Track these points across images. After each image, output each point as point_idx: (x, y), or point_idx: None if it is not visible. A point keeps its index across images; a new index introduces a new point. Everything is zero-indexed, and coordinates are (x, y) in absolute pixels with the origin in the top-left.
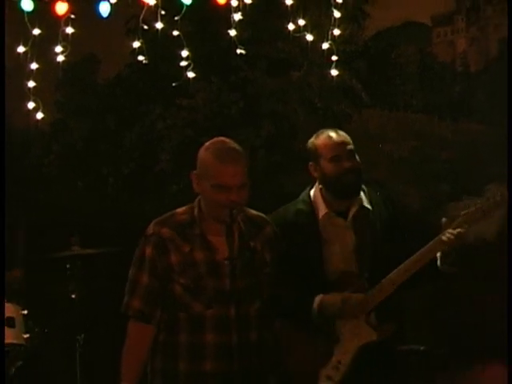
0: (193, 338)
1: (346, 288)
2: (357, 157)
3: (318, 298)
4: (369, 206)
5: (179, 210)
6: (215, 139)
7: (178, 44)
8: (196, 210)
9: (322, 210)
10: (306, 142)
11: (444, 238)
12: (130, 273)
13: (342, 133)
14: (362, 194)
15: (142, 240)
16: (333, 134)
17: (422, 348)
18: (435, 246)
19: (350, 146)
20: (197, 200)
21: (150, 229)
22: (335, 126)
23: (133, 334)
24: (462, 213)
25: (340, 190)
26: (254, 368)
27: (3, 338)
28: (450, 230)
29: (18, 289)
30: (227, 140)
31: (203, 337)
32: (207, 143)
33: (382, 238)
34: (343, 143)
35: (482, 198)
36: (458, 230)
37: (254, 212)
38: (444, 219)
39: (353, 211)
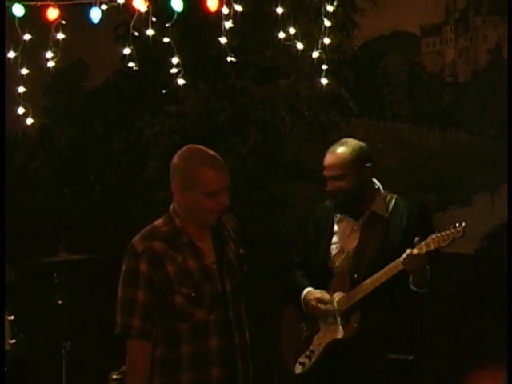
0: (196, 347)
1: (335, 286)
2: (348, 178)
3: (305, 290)
4: (384, 214)
5: (157, 222)
6: (190, 147)
7: (168, 51)
8: (177, 220)
9: None
10: (294, 150)
11: (401, 258)
12: (123, 292)
13: (340, 151)
14: (382, 201)
15: (131, 258)
16: (329, 155)
17: (410, 358)
18: (397, 263)
19: (337, 171)
20: (171, 210)
21: (139, 245)
22: (322, 135)
23: (135, 353)
24: (430, 236)
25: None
26: (252, 368)
27: (3, 338)
28: (408, 251)
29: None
30: (201, 147)
31: (207, 343)
32: (183, 153)
33: (397, 247)
34: (331, 166)
35: (447, 228)
36: (414, 251)
37: None
38: (417, 239)
39: (365, 215)
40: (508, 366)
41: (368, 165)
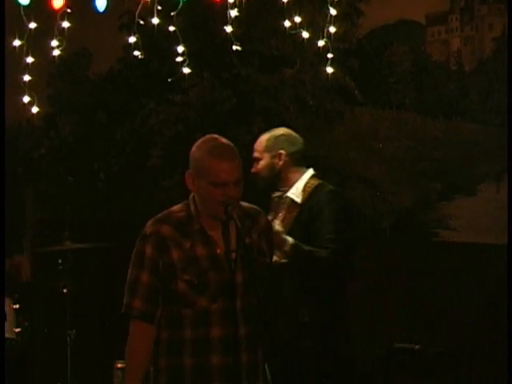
0: (198, 334)
1: None
2: (262, 162)
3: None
4: (297, 200)
5: (174, 207)
6: (207, 137)
7: (173, 40)
8: (192, 207)
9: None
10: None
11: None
12: (130, 273)
13: (263, 136)
14: (300, 188)
15: (141, 240)
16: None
17: (416, 347)
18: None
19: (255, 154)
20: (191, 197)
21: (149, 228)
22: (327, 125)
23: (136, 335)
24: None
25: None
26: (259, 360)
27: (3, 337)
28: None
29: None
30: (219, 137)
31: (209, 331)
32: (199, 141)
33: (303, 233)
34: (253, 149)
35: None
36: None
37: (247, 204)
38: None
39: (284, 200)
40: (508, 366)
41: (282, 151)
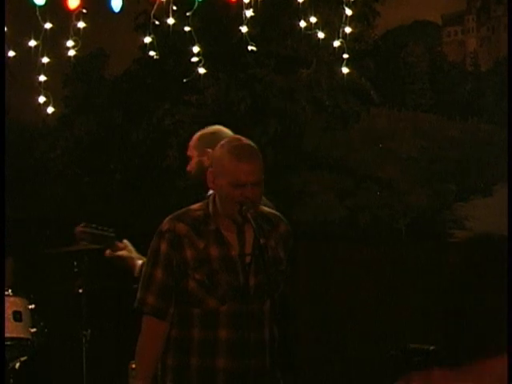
0: (205, 334)
1: None
2: (192, 161)
3: None
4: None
5: (194, 206)
6: (231, 137)
7: (189, 40)
8: (211, 206)
9: None
10: (314, 140)
11: None
12: (145, 268)
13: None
14: None
15: (157, 236)
16: None
17: (431, 348)
18: None
19: (188, 152)
20: (211, 197)
21: (165, 225)
22: (343, 125)
23: (147, 331)
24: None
25: None
26: (267, 366)
27: (3, 336)
28: None
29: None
30: (242, 138)
31: (216, 333)
32: (223, 141)
33: None
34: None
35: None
36: None
37: (268, 210)
38: None
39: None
40: (508, 366)
41: (209, 150)
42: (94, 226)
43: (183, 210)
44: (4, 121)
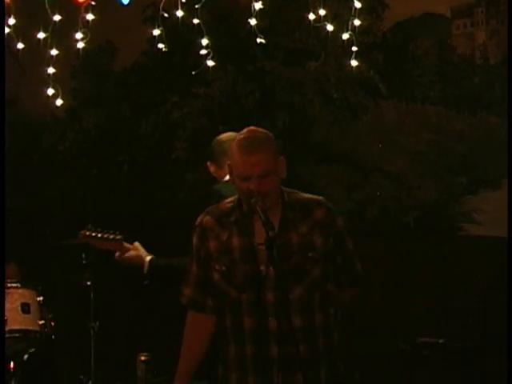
0: (235, 322)
1: None
2: None
3: None
4: None
5: (230, 198)
6: (246, 128)
7: (198, 32)
8: (236, 198)
9: None
10: (322, 132)
11: None
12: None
13: None
14: None
15: (192, 230)
16: None
17: (440, 341)
18: None
19: None
20: None
21: (198, 218)
22: (351, 118)
23: (187, 323)
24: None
25: None
26: (294, 353)
27: (3, 337)
28: None
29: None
30: (255, 129)
31: (242, 321)
32: (240, 132)
33: None
34: None
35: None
36: None
37: (306, 195)
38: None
39: None
40: (508, 366)
41: None
42: (99, 229)
43: (219, 202)
44: (4, 121)
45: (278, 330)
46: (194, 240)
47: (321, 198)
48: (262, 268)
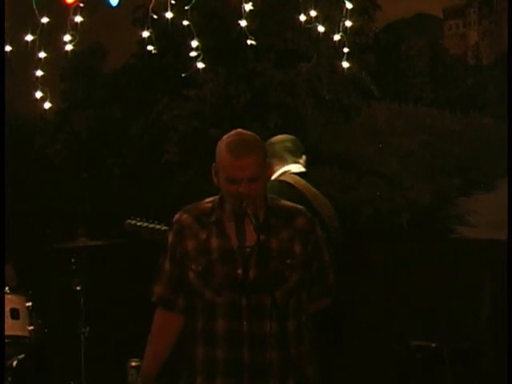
0: (207, 325)
1: None
2: None
3: None
4: None
5: (209, 198)
6: (234, 131)
7: (188, 34)
8: (217, 198)
9: None
10: (315, 134)
11: None
12: (159, 259)
13: None
14: None
15: (169, 227)
16: None
17: (433, 345)
18: None
19: None
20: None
21: (176, 216)
22: (343, 119)
23: (156, 321)
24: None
25: None
26: (267, 358)
27: (3, 337)
28: None
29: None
30: (244, 132)
31: (215, 324)
32: (226, 135)
33: None
34: None
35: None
36: None
37: (287, 203)
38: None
39: None
40: (508, 366)
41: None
42: (144, 219)
43: (198, 202)
44: (4, 120)
45: (251, 334)
46: (170, 237)
47: (301, 207)
48: (239, 271)
